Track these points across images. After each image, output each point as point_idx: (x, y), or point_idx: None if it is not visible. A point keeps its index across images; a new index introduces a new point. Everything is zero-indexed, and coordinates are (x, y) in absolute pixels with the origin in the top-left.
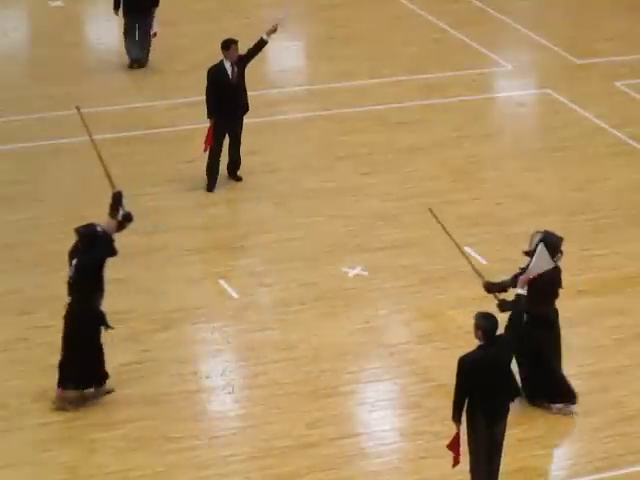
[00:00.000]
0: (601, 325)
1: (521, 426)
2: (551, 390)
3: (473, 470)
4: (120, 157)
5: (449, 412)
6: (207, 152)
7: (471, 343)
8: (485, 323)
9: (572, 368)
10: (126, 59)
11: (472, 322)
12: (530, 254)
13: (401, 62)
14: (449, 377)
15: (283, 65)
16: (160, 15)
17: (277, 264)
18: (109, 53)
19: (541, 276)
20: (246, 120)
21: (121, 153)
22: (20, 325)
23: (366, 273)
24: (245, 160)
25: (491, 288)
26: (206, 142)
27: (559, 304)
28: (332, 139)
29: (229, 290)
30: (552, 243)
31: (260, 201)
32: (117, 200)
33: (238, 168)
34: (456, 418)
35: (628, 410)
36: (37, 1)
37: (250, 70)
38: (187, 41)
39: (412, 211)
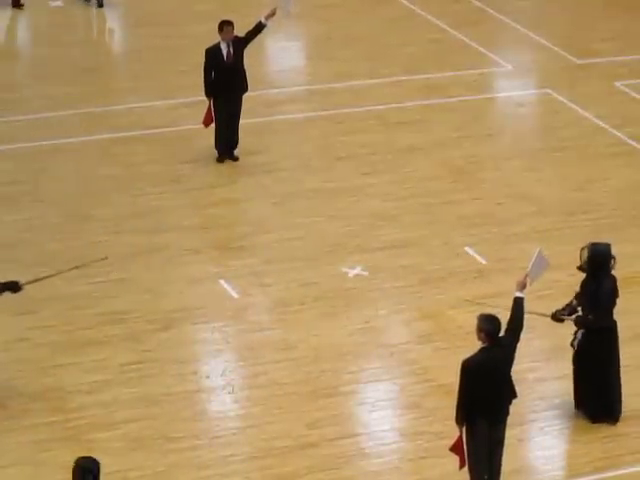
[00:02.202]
0: None
1: (521, 426)
2: (612, 404)
3: (473, 470)
4: (120, 157)
5: (449, 412)
6: (210, 128)
7: (471, 343)
8: (488, 326)
9: (572, 368)
10: (125, 57)
11: (472, 322)
12: (582, 269)
13: (401, 62)
14: (449, 377)
15: (283, 65)
16: (161, 16)
17: (277, 264)
18: (109, 53)
19: (603, 288)
20: (246, 120)
21: (121, 153)
22: (20, 325)
23: (366, 273)
24: (245, 160)
25: (560, 316)
26: (205, 120)
27: (557, 304)
28: (332, 139)
29: (229, 290)
30: (601, 253)
31: (260, 201)
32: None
33: (235, 147)
34: (460, 421)
35: (628, 410)
36: (37, 1)
37: (250, 70)
38: (188, 41)
39: (412, 211)
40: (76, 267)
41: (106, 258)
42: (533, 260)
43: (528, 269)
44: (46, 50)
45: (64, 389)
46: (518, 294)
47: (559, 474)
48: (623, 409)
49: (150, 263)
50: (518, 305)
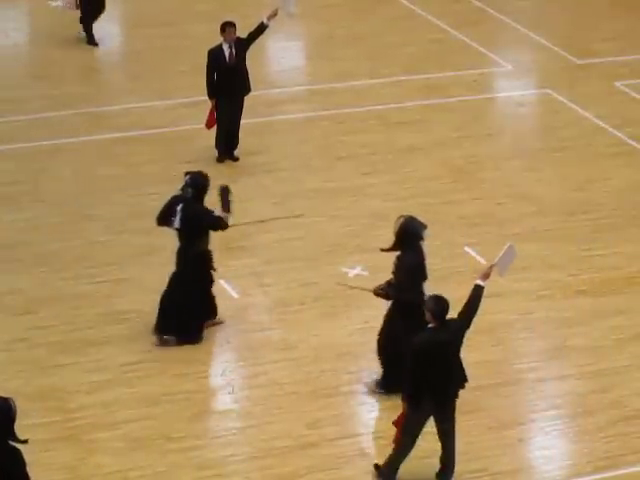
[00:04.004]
0: (601, 325)
1: (520, 426)
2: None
3: (399, 442)
4: (120, 157)
5: None
6: (212, 129)
7: (470, 343)
8: (434, 306)
9: (572, 368)
10: (125, 57)
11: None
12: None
13: (401, 62)
14: None
15: (283, 65)
16: (161, 16)
17: (277, 264)
18: (109, 53)
19: (404, 262)
20: (246, 120)
21: (121, 153)
22: (20, 325)
23: (366, 273)
24: (245, 160)
25: (379, 291)
26: (208, 122)
27: (557, 304)
28: (332, 139)
29: (229, 290)
30: (413, 229)
31: (260, 201)
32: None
33: (235, 148)
34: (404, 398)
35: (628, 410)
36: (37, 1)
37: (251, 70)
38: (188, 41)
39: (412, 211)
40: (273, 219)
41: (302, 215)
42: (502, 252)
43: (495, 261)
44: (46, 50)
45: (64, 389)
46: (479, 282)
47: (559, 474)
48: (624, 408)
49: (150, 263)
50: (477, 293)
